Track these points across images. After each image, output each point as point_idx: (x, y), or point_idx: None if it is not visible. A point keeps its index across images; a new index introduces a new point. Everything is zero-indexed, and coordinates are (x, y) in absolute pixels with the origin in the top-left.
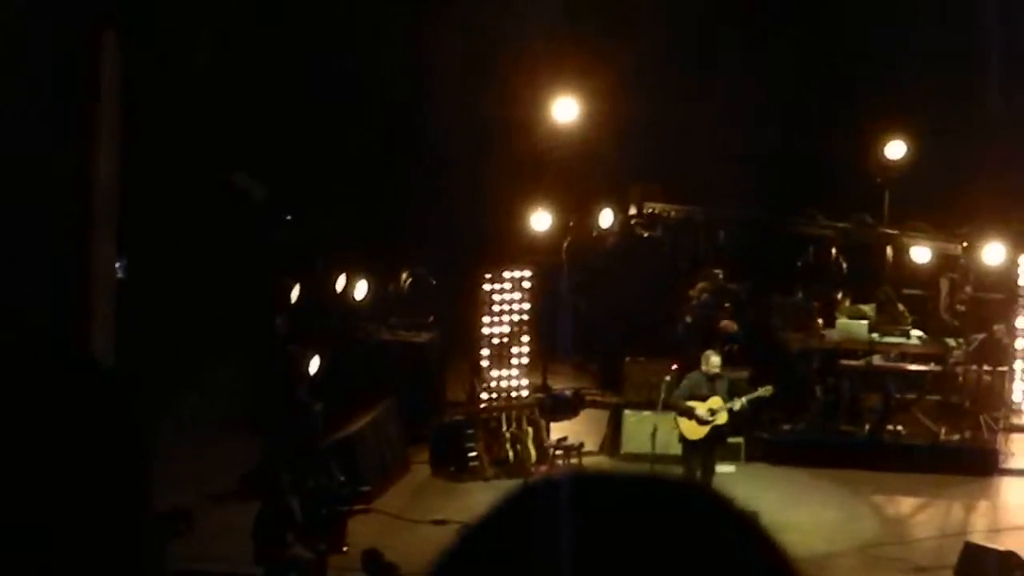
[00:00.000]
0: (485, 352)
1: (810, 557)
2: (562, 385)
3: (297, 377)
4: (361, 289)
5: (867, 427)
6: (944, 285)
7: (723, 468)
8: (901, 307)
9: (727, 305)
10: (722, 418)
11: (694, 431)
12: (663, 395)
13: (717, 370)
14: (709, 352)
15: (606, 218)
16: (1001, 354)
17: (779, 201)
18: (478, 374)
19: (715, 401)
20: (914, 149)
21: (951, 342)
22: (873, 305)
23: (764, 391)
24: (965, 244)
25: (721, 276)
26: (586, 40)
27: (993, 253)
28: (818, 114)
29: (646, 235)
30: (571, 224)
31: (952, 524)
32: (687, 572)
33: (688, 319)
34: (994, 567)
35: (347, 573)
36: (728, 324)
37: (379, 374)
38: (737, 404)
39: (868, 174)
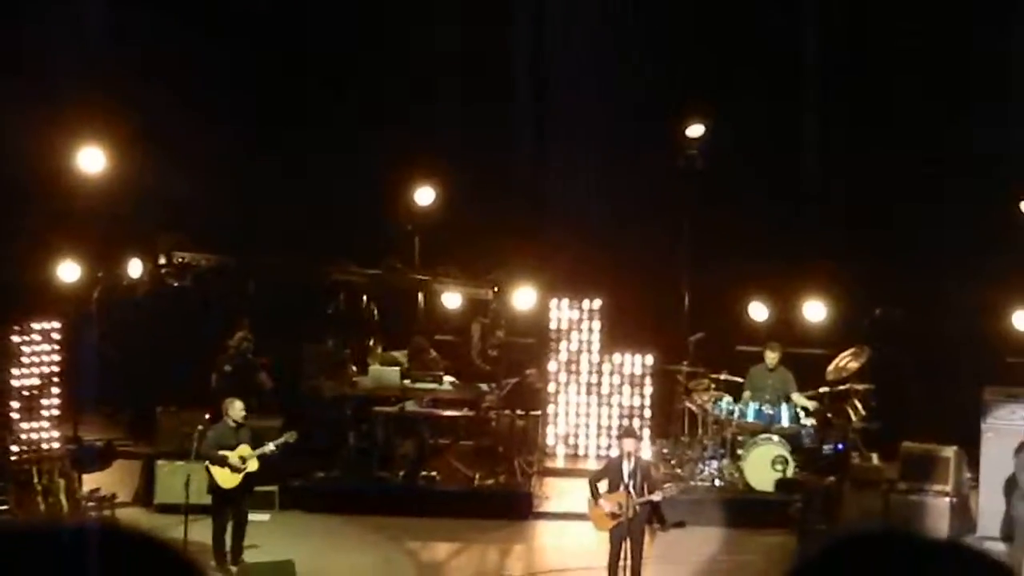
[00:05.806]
0: (14, 404)
1: None
2: (93, 436)
3: None
4: None
5: (402, 473)
6: (476, 330)
7: (257, 516)
8: (434, 353)
9: (264, 360)
10: (253, 465)
11: (228, 479)
12: (196, 445)
13: (241, 416)
14: (232, 399)
15: (135, 268)
16: (534, 398)
17: (310, 249)
18: (7, 427)
19: (244, 449)
20: (443, 195)
21: (484, 387)
22: (406, 352)
23: (289, 436)
24: (496, 289)
25: (247, 325)
26: (112, 90)
27: (523, 298)
28: (349, 160)
29: (176, 284)
30: (100, 275)
31: (488, 568)
32: None
33: (227, 368)
34: None
35: None
36: (265, 380)
37: None
38: (267, 449)
39: (398, 220)
